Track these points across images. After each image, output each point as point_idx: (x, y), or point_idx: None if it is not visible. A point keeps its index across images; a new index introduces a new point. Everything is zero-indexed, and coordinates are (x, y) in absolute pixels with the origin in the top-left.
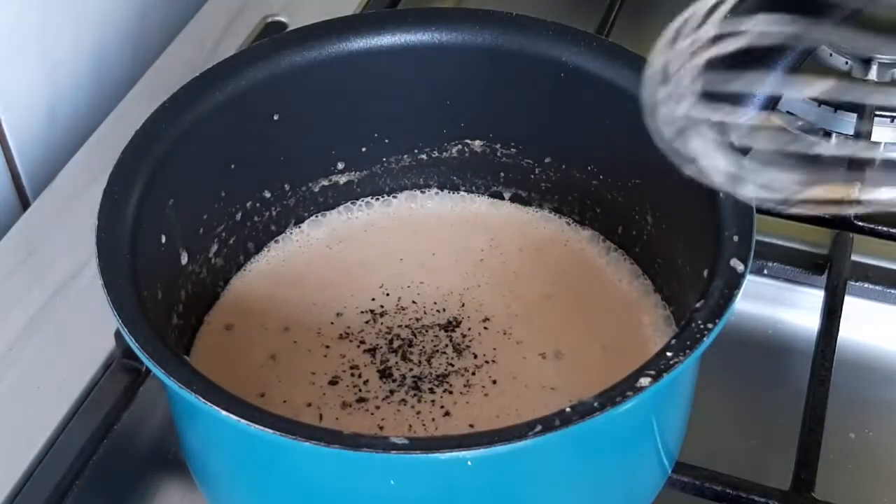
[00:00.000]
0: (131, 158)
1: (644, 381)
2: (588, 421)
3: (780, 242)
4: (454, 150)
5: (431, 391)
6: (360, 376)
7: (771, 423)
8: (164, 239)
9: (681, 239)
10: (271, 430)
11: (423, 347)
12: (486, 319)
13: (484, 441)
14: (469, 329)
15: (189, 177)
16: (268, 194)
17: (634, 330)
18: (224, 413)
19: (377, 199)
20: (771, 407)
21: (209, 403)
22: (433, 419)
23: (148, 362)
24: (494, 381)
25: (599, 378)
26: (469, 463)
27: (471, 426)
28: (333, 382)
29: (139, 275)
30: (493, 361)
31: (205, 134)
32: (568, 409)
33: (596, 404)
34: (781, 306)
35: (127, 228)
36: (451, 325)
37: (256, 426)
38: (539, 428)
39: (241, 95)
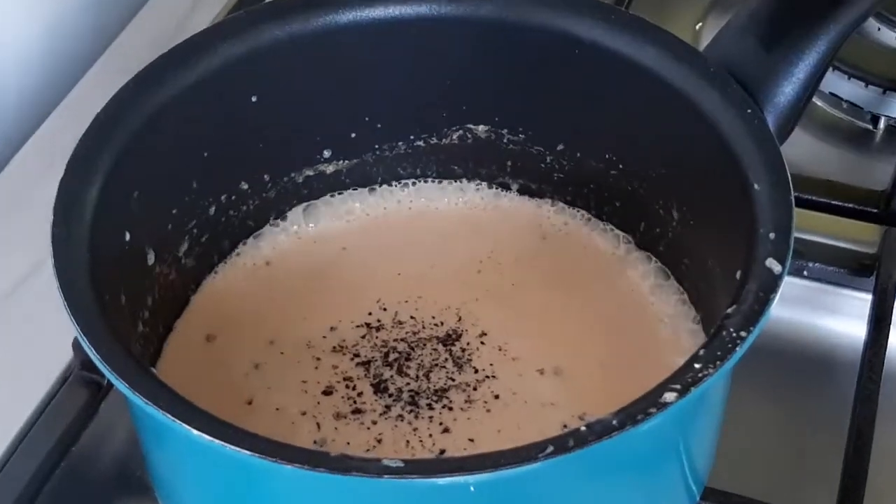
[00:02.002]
0: (91, 146)
1: (669, 396)
2: (606, 441)
3: (822, 240)
4: (455, 135)
5: (430, 407)
6: (354, 388)
7: (811, 443)
8: (127, 236)
9: (711, 236)
10: (249, 452)
11: (422, 361)
12: (482, 334)
13: (488, 464)
14: (468, 343)
15: (156, 166)
16: (245, 186)
17: (655, 337)
18: (195, 432)
19: (368, 190)
20: (811, 425)
21: (178, 421)
22: (430, 435)
23: (109, 375)
24: (497, 396)
25: (605, 394)
26: (472, 489)
27: (471, 440)
28: (327, 392)
29: (100, 277)
30: (494, 377)
31: (174, 118)
32: (583, 428)
33: (615, 422)
34: (823, 312)
35: (86, 225)
36: (450, 339)
37: (232, 447)
38: (550, 449)
39: (215, 74)
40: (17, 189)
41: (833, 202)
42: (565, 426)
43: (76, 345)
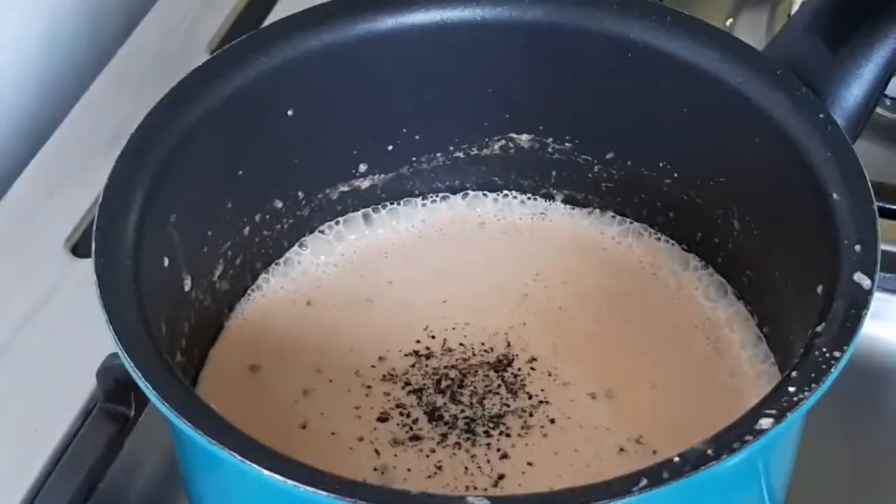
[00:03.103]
0: (128, 168)
1: (765, 422)
2: (702, 472)
3: None
4: (497, 146)
5: (487, 434)
6: (409, 416)
7: (871, 457)
8: (166, 262)
9: (779, 248)
10: (327, 493)
11: (475, 388)
12: (532, 360)
13: (580, 499)
14: (519, 369)
15: (192, 187)
16: (279, 204)
17: (709, 355)
18: (270, 474)
19: (404, 204)
20: (873, 443)
21: (257, 467)
22: (489, 461)
23: (171, 415)
24: (552, 421)
25: (659, 416)
26: None
27: (529, 464)
28: (382, 419)
29: (145, 306)
30: (547, 402)
31: (209, 135)
32: (677, 459)
33: (710, 451)
34: (881, 321)
35: (128, 252)
36: (501, 364)
37: (310, 489)
38: (644, 482)
39: (250, 88)
40: (20, 216)
41: (884, 205)
42: (622, 449)
43: (100, 375)
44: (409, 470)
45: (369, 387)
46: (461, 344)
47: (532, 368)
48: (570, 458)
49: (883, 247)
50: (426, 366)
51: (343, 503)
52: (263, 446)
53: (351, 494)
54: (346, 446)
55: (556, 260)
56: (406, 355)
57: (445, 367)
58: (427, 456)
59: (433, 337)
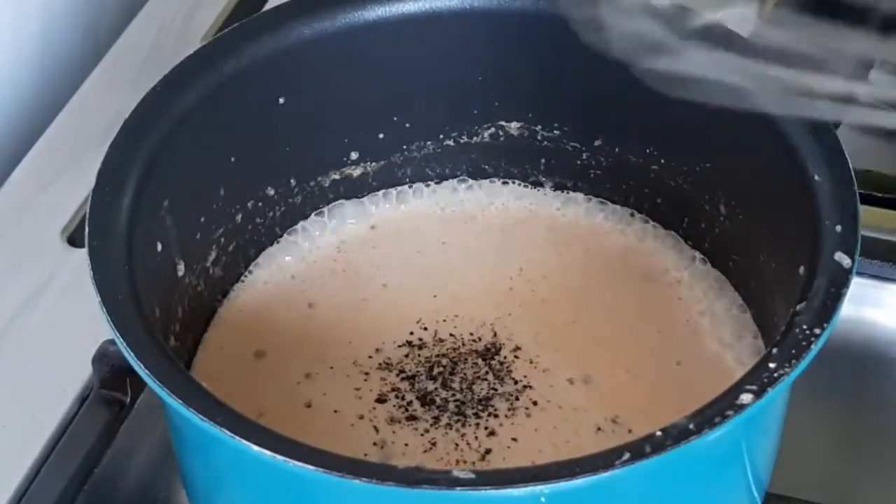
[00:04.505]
0: (121, 153)
1: (746, 397)
2: (683, 446)
3: (864, 233)
4: (486, 133)
5: (476, 415)
6: (403, 398)
7: (868, 444)
8: (159, 247)
9: (764, 231)
10: (314, 467)
11: (464, 375)
12: (517, 348)
13: (564, 472)
14: (505, 357)
15: (184, 173)
16: (271, 191)
17: (690, 342)
18: (258, 449)
19: (394, 192)
20: (866, 426)
21: (243, 440)
22: (476, 437)
23: (167, 397)
24: (535, 403)
25: (634, 398)
26: (542, 500)
27: (514, 440)
28: (381, 400)
29: (139, 291)
30: (530, 387)
31: (202, 122)
32: (659, 433)
33: (692, 426)
34: (869, 307)
35: (121, 236)
36: (489, 353)
37: (298, 463)
38: (627, 456)
39: (242, 76)
40: (17, 205)
41: (873, 193)
42: (599, 428)
43: (96, 361)
44: (406, 445)
45: (367, 373)
46: (451, 334)
47: (516, 356)
48: (551, 435)
49: (873, 234)
50: (419, 355)
51: (333, 479)
52: (254, 423)
53: (341, 470)
54: (348, 423)
55: (539, 253)
56: (400, 346)
57: (437, 356)
58: (422, 434)
59: (425, 329)
